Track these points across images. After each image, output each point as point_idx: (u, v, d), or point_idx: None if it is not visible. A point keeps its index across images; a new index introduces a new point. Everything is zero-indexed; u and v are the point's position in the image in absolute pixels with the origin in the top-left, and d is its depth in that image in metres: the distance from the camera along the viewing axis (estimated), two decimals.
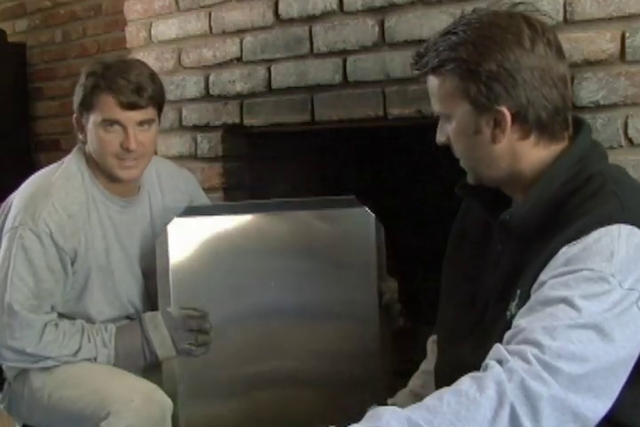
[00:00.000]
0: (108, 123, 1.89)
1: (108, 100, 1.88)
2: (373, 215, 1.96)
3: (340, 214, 1.99)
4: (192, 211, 2.01)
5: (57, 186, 1.92)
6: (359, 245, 1.97)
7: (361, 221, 1.96)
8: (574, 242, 1.21)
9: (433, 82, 1.36)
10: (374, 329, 1.97)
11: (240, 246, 1.97)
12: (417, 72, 1.38)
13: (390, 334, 2.00)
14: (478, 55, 1.28)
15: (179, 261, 1.93)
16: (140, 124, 1.91)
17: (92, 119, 1.91)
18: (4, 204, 1.99)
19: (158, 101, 1.95)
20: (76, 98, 1.94)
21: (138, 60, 2.02)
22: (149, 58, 2.68)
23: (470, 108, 1.31)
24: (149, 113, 1.92)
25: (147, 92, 1.90)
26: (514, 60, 1.27)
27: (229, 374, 1.97)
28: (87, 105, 1.91)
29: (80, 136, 1.97)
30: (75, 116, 1.96)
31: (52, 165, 2.03)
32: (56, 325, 1.90)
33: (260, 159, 2.68)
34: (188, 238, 1.94)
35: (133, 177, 1.97)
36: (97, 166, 1.97)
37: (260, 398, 1.97)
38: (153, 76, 1.96)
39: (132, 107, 1.88)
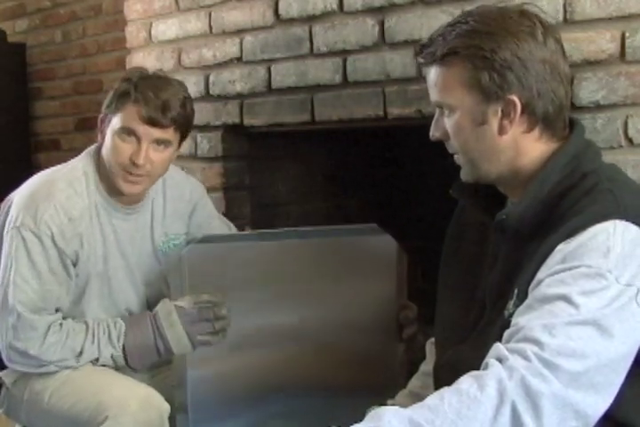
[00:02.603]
0: (126, 132, 1.87)
1: (132, 109, 1.86)
2: (396, 243, 1.92)
3: (362, 242, 1.94)
4: (208, 239, 1.96)
5: (59, 188, 1.90)
6: (381, 272, 1.92)
7: (384, 249, 1.91)
8: (570, 239, 1.21)
9: (437, 71, 1.34)
10: (393, 360, 1.95)
11: (258, 275, 1.92)
12: (422, 60, 1.37)
13: (407, 365, 1.96)
14: (494, 43, 1.28)
15: (194, 289, 1.90)
16: (157, 142, 1.88)
17: (113, 123, 1.89)
18: (5, 202, 1.98)
19: (182, 126, 1.91)
20: (107, 99, 1.92)
21: (178, 81, 1.98)
22: (149, 58, 2.69)
23: (479, 96, 1.31)
24: (169, 134, 1.88)
25: (171, 113, 1.86)
26: (528, 50, 1.28)
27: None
28: (112, 108, 1.89)
29: (99, 136, 1.95)
30: (101, 115, 1.94)
31: (56, 167, 2.01)
32: (60, 325, 1.89)
33: (260, 159, 2.68)
34: (203, 265, 1.90)
35: (134, 192, 1.93)
36: (102, 168, 1.95)
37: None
38: (185, 100, 1.92)
39: (152, 123, 1.85)
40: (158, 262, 2.04)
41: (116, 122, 1.88)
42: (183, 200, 2.11)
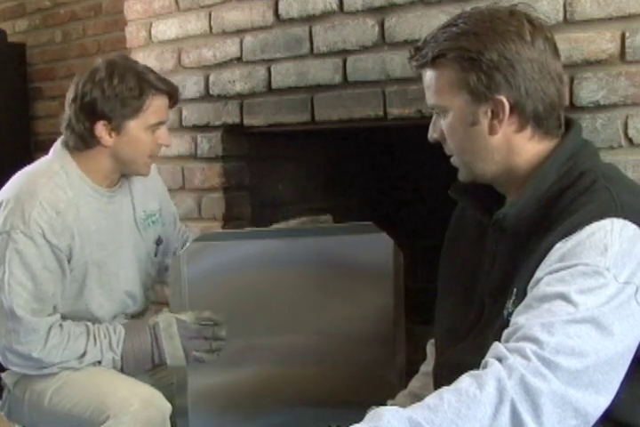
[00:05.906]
0: (159, 124, 1.93)
1: (159, 102, 1.92)
2: (392, 241, 1.92)
3: (358, 240, 1.94)
4: (205, 237, 1.97)
5: (40, 184, 1.89)
6: (377, 270, 1.93)
7: (380, 247, 1.92)
8: (568, 238, 1.22)
9: (430, 74, 1.36)
10: (390, 361, 1.95)
11: (256, 272, 1.93)
12: (415, 63, 1.38)
13: (404, 358, 1.98)
14: (480, 44, 1.29)
15: (193, 287, 1.90)
16: None
17: (139, 123, 1.90)
18: None
19: None
20: (112, 105, 1.87)
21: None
22: (149, 58, 2.68)
23: (469, 98, 1.32)
24: None
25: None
26: (515, 50, 1.29)
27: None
28: (134, 110, 1.88)
29: (109, 141, 1.90)
30: (102, 122, 1.88)
31: (28, 167, 1.99)
32: (61, 326, 1.89)
33: (260, 159, 2.68)
34: (201, 264, 1.91)
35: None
36: (90, 164, 1.95)
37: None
38: None
39: (173, 106, 1.99)
40: (142, 239, 2.07)
41: (142, 120, 1.90)
42: (150, 177, 2.10)
